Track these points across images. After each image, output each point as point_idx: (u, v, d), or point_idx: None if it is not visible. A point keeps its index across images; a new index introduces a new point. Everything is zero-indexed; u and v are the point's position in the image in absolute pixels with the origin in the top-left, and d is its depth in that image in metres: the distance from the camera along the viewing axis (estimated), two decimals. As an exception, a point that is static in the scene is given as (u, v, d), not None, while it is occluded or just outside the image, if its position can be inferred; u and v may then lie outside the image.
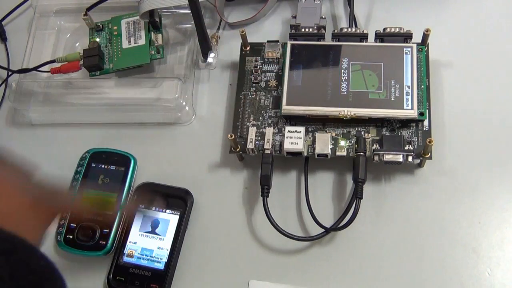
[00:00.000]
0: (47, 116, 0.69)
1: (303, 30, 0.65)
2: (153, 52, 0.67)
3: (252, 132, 0.61)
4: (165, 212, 0.61)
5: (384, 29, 0.64)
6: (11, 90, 0.66)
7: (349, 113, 0.60)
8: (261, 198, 0.59)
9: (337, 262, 0.59)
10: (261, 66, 0.66)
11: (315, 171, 0.62)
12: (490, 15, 0.68)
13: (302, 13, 0.66)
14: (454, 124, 0.63)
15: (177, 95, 0.64)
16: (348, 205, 0.60)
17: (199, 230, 0.62)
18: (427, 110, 0.60)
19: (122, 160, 0.64)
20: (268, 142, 0.60)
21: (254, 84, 0.65)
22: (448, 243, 0.58)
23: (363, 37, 0.64)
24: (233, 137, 0.60)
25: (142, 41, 0.67)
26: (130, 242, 0.61)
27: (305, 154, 0.60)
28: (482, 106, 0.64)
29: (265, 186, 0.59)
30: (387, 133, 0.60)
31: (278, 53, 0.66)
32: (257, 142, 0.61)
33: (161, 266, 0.59)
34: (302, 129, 0.60)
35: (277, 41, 0.66)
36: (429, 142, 0.57)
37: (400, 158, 0.58)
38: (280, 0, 0.72)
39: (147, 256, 0.60)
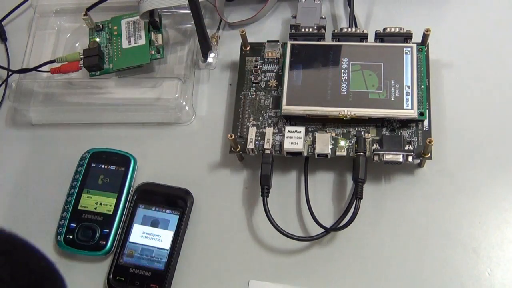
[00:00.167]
0: (47, 116, 0.69)
1: (303, 30, 0.65)
2: (153, 52, 0.67)
3: (252, 132, 0.61)
4: (165, 212, 0.61)
5: (384, 29, 0.64)
6: (11, 90, 0.66)
7: (349, 113, 0.60)
8: (261, 198, 0.59)
9: (337, 262, 0.59)
10: (261, 66, 0.66)
11: (315, 171, 0.62)
12: (490, 15, 0.68)
13: (302, 13, 0.66)
14: (454, 124, 0.63)
15: (177, 95, 0.64)
16: (348, 205, 0.60)
17: (199, 230, 0.62)
18: (427, 110, 0.60)
19: (122, 160, 0.64)
20: (268, 142, 0.60)
21: (254, 84, 0.65)
22: (448, 243, 0.58)
23: (363, 37, 0.64)
24: (233, 137, 0.60)
25: (142, 41, 0.67)
26: (130, 242, 0.61)
27: (305, 154, 0.60)
28: (482, 106, 0.64)
29: (265, 186, 0.59)
30: (387, 133, 0.60)
31: (278, 53, 0.66)
32: (257, 142, 0.61)
33: (161, 266, 0.59)
34: (302, 129, 0.60)
35: (277, 41, 0.66)
36: (429, 142, 0.57)
37: (400, 158, 0.58)
38: (280, 0, 0.72)
39: (147, 256, 0.60)
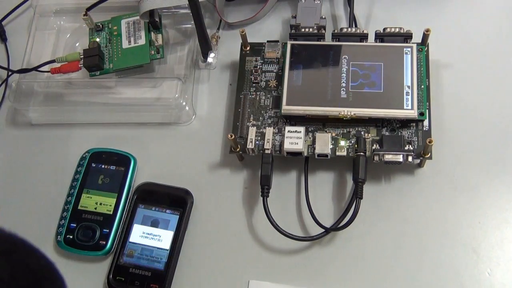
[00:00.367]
0: (47, 116, 0.69)
1: (303, 30, 0.65)
2: (153, 52, 0.67)
3: (252, 132, 0.61)
4: (165, 212, 0.61)
5: (384, 29, 0.64)
6: (11, 90, 0.66)
7: (349, 113, 0.60)
8: (261, 198, 0.59)
9: (337, 262, 0.59)
10: (261, 66, 0.66)
11: (315, 171, 0.62)
12: (490, 15, 0.68)
13: (302, 13, 0.66)
14: (454, 124, 0.63)
15: (177, 95, 0.63)
16: (348, 205, 0.60)
17: (199, 230, 0.62)
18: (427, 110, 0.60)
19: (122, 160, 0.64)
20: (268, 142, 0.60)
21: (254, 84, 0.65)
22: (448, 243, 0.58)
23: (363, 37, 0.64)
24: (233, 137, 0.60)
25: (142, 41, 0.67)
26: (130, 242, 0.61)
27: (305, 154, 0.60)
28: (482, 106, 0.64)
29: (265, 186, 0.59)
30: (387, 133, 0.60)
31: (278, 53, 0.66)
32: (257, 142, 0.61)
33: (161, 266, 0.59)
34: (302, 129, 0.60)
35: (277, 41, 0.66)
36: (429, 142, 0.57)
37: (400, 158, 0.58)
38: (280, 0, 0.72)
39: (147, 256, 0.60)
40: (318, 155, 0.60)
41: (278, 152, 0.60)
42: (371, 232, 0.60)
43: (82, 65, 0.66)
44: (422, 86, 0.61)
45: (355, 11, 0.69)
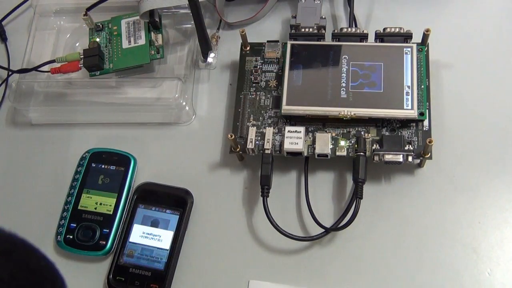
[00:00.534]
0: (47, 116, 0.69)
1: (303, 30, 0.65)
2: (153, 52, 0.67)
3: (252, 132, 0.61)
4: (165, 212, 0.61)
5: (384, 29, 0.64)
6: (11, 90, 0.66)
7: (349, 113, 0.60)
8: (261, 198, 0.59)
9: (337, 262, 0.59)
10: (261, 66, 0.66)
11: (315, 171, 0.62)
12: (490, 15, 0.68)
13: (302, 13, 0.66)
14: (454, 124, 0.63)
15: (177, 95, 0.63)
16: (348, 205, 0.60)
17: (199, 230, 0.62)
18: (427, 110, 0.60)
19: (122, 160, 0.64)
20: (268, 142, 0.60)
21: (254, 84, 0.65)
22: (448, 243, 0.58)
23: (363, 37, 0.64)
24: (233, 137, 0.60)
25: (142, 41, 0.67)
26: (130, 242, 0.61)
27: (305, 154, 0.60)
28: (482, 106, 0.64)
29: (265, 186, 0.59)
30: (387, 133, 0.60)
31: (278, 53, 0.66)
32: (257, 142, 0.61)
33: (161, 266, 0.59)
34: (302, 129, 0.60)
35: (277, 41, 0.66)
36: (429, 142, 0.57)
37: (400, 158, 0.58)
38: (280, 0, 0.72)
39: (147, 256, 0.60)
40: (318, 155, 0.60)
41: (278, 152, 0.60)
42: (371, 232, 0.60)
43: (82, 65, 0.66)
44: (422, 86, 0.61)
45: (355, 11, 0.69)
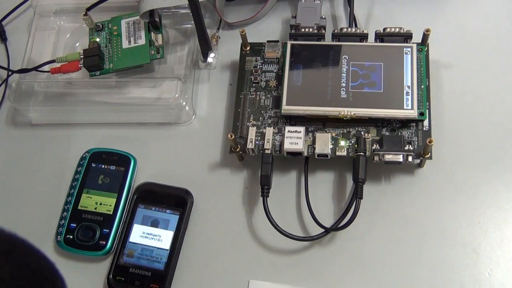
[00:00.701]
0: (47, 116, 0.69)
1: (303, 30, 0.65)
2: (153, 52, 0.67)
3: (252, 132, 0.61)
4: (165, 212, 0.61)
5: (384, 29, 0.64)
6: (11, 90, 0.66)
7: (349, 113, 0.60)
8: (261, 198, 0.59)
9: (337, 262, 0.59)
10: (261, 66, 0.66)
11: (315, 171, 0.62)
12: (490, 15, 0.68)
13: (302, 13, 0.66)
14: (454, 124, 0.63)
15: (177, 95, 0.63)
16: (348, 205, 0.60)
17: (199, 230, 0.62)
18: (427, 110, 0.60)
19: (122, 160, 0.64)
20: (268, 142, 0.60)
21: (254, 84, 0.65)
22: (448, 243, 0.58)
23: (363, 37, 0.64)
24: (233, 137, 0.60)
25: (142, 41, 0.67)
26: (130, 242, 0.61)
27: (305, 154, 0.60)
28: (482, 106, 0.64)
29: (265, 186, 0.59)
30: (387, 133, 0.60)
31: (278, 53, 0.66)
32: (257, 142, 0.61)
33: (161, 266, 0.59)
34: (302, 129, 0.60)
35: (277, 41, 0.66)
36: (429, 142, 0.57)
37: (400, 158, 0.58)
38: (280, 0, 0.72)
39: (147, 256, 0.60)
40: (318, 155, 0.60)
41: (278, 152, 0.61)
42: (371, 232, 0.60)
43: (82, 65, 0.66)
44: (422, 86, 0.61)
45: (355, 11, 0.69)
